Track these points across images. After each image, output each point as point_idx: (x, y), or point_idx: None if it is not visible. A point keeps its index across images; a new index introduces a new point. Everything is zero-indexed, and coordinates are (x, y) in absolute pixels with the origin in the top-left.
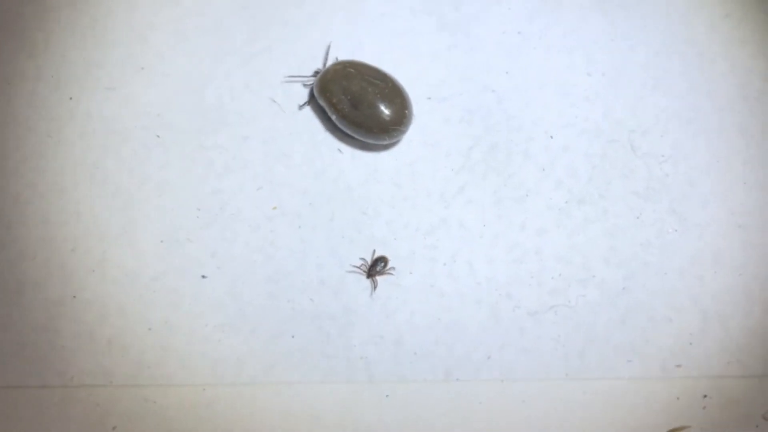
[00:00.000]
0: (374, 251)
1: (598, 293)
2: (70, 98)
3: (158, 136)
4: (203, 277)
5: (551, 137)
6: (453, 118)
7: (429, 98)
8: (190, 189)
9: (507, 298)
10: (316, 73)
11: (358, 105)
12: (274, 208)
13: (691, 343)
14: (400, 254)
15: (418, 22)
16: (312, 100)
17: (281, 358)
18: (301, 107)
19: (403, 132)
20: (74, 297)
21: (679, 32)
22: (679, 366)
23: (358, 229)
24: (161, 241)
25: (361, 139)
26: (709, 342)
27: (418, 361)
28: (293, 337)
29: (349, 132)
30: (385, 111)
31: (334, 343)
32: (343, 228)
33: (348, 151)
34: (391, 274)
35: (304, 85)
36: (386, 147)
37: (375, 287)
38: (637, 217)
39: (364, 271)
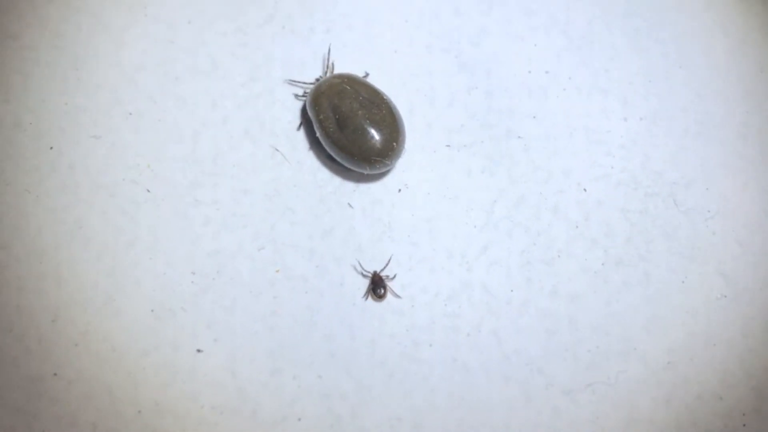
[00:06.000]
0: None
1: (641, 368)
2: (51, 148)
3: (148, 191)
4: (198, 351)
5: (584, 190)
6: (474, 168)
7: (448, 146)
8: (184, 250)
9: (539, 374)
10: (318, 80)
11: (344, 126)
12: (278, 271)
13: (744, 425)
14: (418, 323)
15: (434, 61)
16: (308, 125)
17: None
18: (298, 128)
19: (387, 165)
20: (55, 375)
21: (723, 71)
22: None
23: None
24: (152, 311)
25: (342, 163)
26: (765, 424)
27: None
28: (299, 420)
29: (331, 153)
30: (371, 139)
31: (346, 426)
32: (354, 293)
33: (359, 206)
34: (380, 294)
35: (298, 98)
36: (372, 178)
37: (366, 296)
38: (683, 282)
39: (369, 279)
